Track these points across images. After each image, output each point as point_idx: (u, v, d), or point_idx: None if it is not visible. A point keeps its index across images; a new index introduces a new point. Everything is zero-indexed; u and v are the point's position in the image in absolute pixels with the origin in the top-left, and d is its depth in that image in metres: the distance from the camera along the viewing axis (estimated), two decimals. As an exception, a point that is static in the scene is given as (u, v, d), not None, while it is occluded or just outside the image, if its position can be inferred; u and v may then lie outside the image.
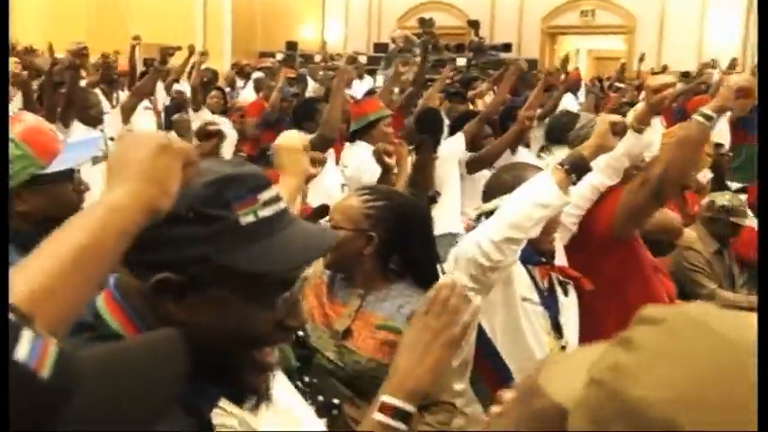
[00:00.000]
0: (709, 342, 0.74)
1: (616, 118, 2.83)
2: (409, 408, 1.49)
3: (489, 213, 2.72)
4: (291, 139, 2.33)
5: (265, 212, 1.18)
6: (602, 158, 2.94)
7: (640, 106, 3.11)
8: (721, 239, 5.05)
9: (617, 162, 3.08)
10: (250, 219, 1.16)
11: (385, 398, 1.50)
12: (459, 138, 5.54)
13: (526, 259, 2.75)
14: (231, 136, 8.17)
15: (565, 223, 3.03)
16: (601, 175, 3.09)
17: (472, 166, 5.53)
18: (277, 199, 1.21)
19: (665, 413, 0.72)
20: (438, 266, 2.57)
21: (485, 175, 4.84)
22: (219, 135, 3.50)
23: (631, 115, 3.07)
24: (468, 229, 3.33)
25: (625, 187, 3.17)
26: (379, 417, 1.49)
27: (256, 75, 12.09)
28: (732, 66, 12.12)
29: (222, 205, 1.15)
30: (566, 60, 10.22)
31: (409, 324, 1.61)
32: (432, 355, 1.52)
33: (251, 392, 1.26)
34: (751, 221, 5.38)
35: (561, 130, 5.88)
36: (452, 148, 5.45)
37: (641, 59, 12.00)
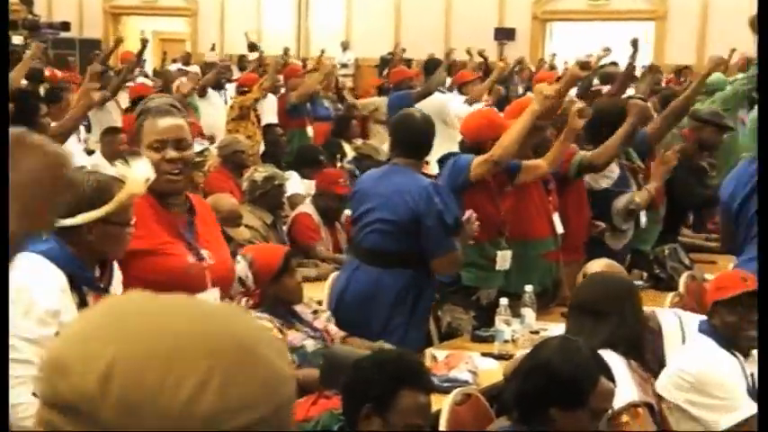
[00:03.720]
0: None
1: None
2: None
3: None
4: None
5: None
6: None
7: None
8: (272, 210, 5.22)
9: None
10: None
11: None
12: None
13: None
14: None
15: None
16: None
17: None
18: None
19: None
20: None
21: None
22: None
23: None
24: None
25: None
26: None
27: None
28: (286, 53, 12.90)
29: None
30: (119, 42, 10.38)
31: None
32: None
33: None
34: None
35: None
36: None
37: (212, 49, 12.41)
